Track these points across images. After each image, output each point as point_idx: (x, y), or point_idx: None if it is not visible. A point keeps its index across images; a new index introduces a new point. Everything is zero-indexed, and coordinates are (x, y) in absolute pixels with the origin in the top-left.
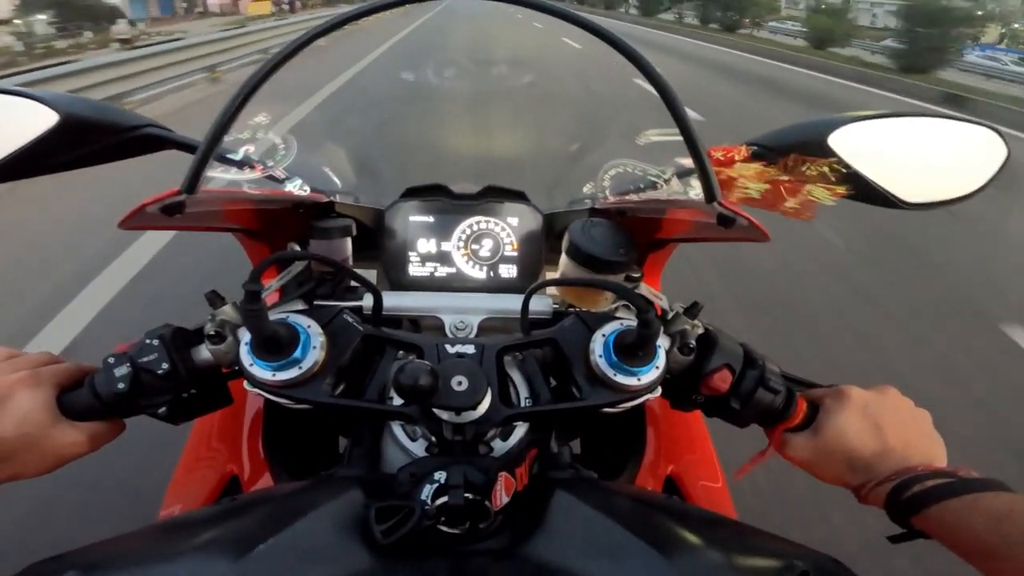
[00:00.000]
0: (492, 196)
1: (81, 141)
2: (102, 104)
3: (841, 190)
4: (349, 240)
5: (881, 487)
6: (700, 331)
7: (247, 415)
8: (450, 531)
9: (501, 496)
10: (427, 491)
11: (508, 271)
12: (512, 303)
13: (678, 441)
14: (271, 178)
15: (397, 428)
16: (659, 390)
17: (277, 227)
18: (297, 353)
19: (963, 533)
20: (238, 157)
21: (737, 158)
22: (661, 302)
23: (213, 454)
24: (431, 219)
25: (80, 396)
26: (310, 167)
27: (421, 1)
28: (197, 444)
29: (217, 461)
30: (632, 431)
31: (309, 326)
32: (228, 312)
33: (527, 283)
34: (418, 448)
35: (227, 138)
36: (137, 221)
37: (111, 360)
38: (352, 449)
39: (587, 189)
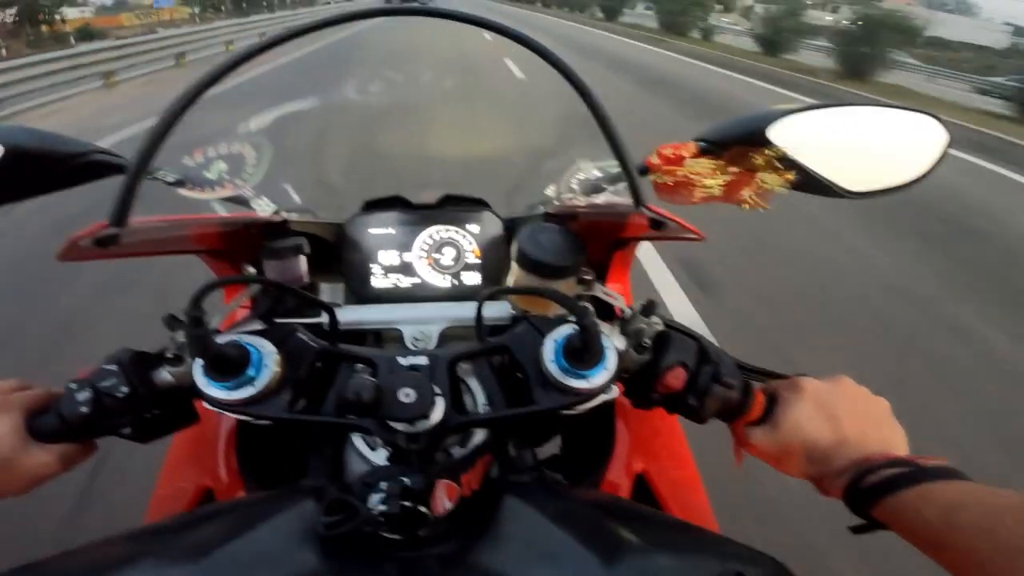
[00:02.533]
0: (452, 205)
1: (27, 172)
2: (45, 132)
3: (791, 175)
4: (302, 258)
5: (840, 479)
6: (658, 328)
7: (222, 430)
8: (394, 537)
9: (443, 502)
10: (375, 499)
11: (472, 278)
12: (471, 311)
13: (648, 438)
14: (237, 200)
15: (358, 439)
16: (615, 390)
17: (235, 245)
18: (251, 371)
19: (917, 523)
20: (212, 176)
21: (686, 155)
22: (617, 302)
23: (190, 469)
24: (391, 231)
25: (48, 420)
26: (273, 183)
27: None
28: (175, 460)
29: (193, 475)
30: (603, 431)
31: (261, 345)
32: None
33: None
34: (378, 457)
35: (200, 157)
36: (76, 252)
37: (73, 386)
38: (315, 461)
39: (550, 192)
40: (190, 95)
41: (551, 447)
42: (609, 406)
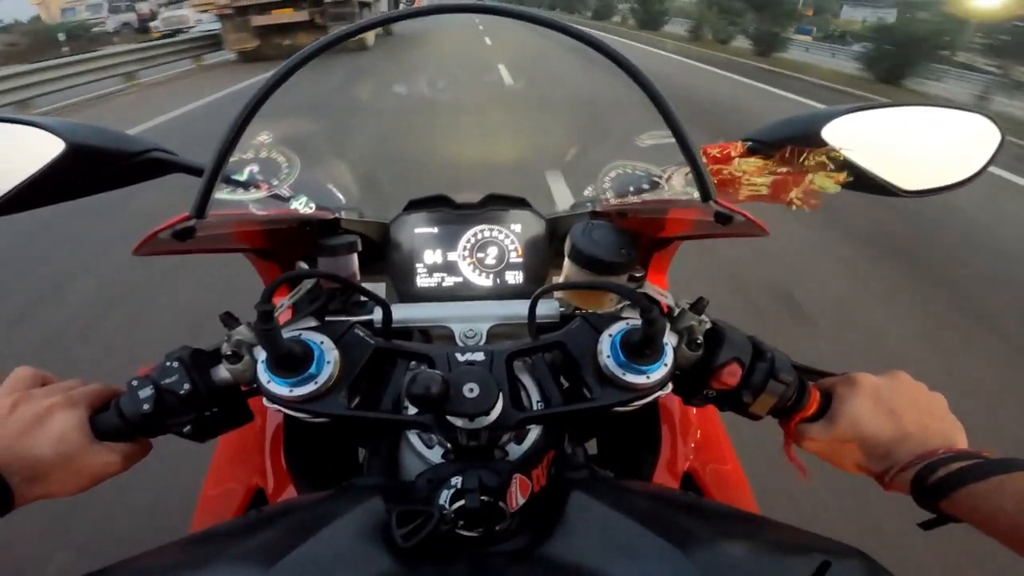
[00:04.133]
0: (494, 204)
1: (88, 168)
2: (107, 129)
3: (842, 177)
4: (355, 256)
5: (904, 473)
6: (707, 326)
7: (268, 429)
8: (468, 534)
9: (517, 497)
10: (444, 496)
11: (514, 277)
12: (519, 309)
13: (694, 436)
14: (277, 197)
15: (413, 436)
16: (670, 387)
17: (285, 245)
18: (312, 369)
19: (994, 515)
20: (243, 178)
21: (734, 154)
22: (666, 299)
23: (238, 469)
24: (435, 230)
25: (109, 417)
26: (314, 183)
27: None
28: (222, 460)
29: (242, 475)
30: (647, 429)
31: (322, 342)
32: (243, 332)
33: (533, 288)
34: (435, 455)
35: (230, 159)
36: (151, 247)
37: (135, 383)
38: (371, 458)
39: (588, 192)
40: (265, 91)
41: (589, 445)
42: (652, 405)
